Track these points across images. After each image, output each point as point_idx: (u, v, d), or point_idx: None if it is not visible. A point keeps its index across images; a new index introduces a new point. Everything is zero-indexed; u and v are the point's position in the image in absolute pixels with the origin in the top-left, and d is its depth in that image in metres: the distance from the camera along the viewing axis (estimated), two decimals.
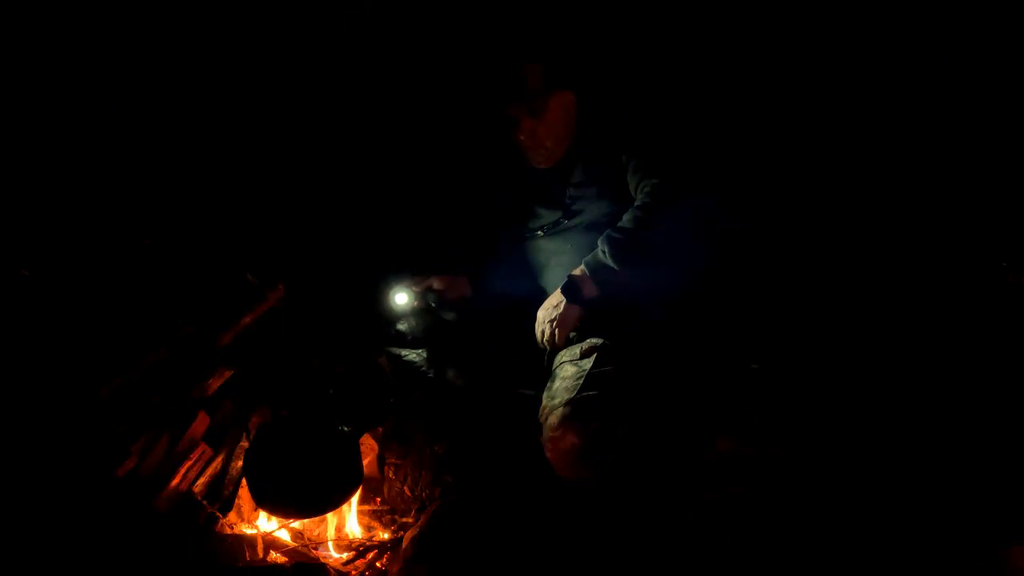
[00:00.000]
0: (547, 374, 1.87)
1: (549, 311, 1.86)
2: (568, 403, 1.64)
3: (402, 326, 2.13)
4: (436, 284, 2.05)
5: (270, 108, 2.33)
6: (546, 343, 1.87)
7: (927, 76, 2.03)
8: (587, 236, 1.90)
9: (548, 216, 2.01)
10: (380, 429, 1.99)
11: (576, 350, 1.82)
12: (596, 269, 1.80)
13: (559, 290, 1.84)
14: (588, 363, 1.75)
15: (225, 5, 2.21)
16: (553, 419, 1.65)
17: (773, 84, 2.14)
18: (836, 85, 2.10)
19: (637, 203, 1.83)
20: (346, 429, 1.73)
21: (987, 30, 1.96)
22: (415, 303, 2.02)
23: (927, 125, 2.04)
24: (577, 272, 1.83)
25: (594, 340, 1.82)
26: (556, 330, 1.83)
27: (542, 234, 2.01)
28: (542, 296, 1.95)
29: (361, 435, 1.91)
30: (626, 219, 1.81)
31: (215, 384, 1.84)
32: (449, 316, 2.04)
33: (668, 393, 1.66)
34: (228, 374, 1.86)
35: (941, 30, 1.99)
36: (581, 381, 1.69)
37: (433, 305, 2.02)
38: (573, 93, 1.96)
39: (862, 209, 2.03)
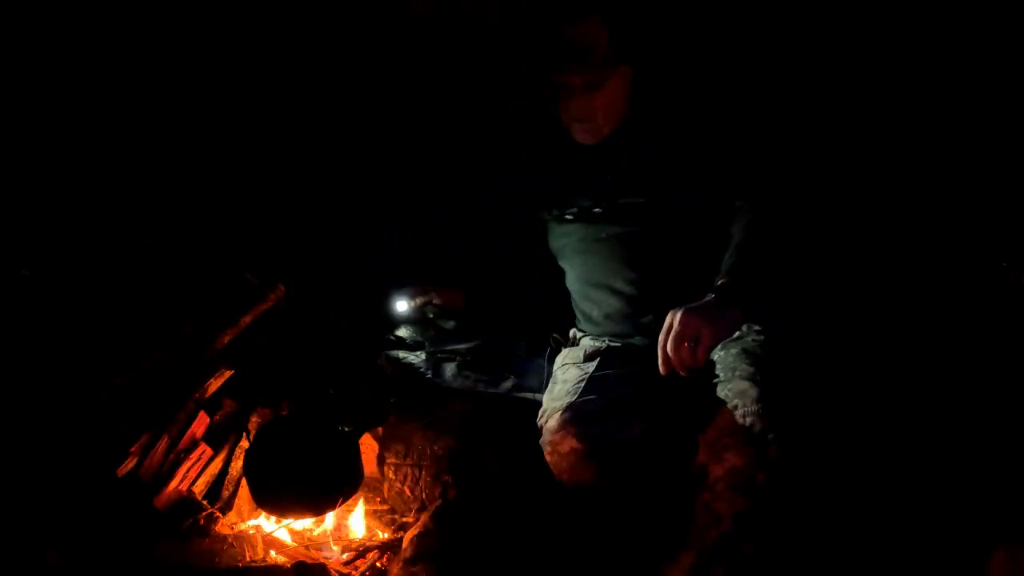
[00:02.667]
0: (547, 375, 1.87)
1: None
2: (568, 407, 1.63)
3: (402, 332, 2.13)
4: (434, 297, 2.04)
5: (271, 108, 2.33)
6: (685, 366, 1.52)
7: (927, 76, 2.03)
8: (621, 228, 1.79)
9: (582, 199, 1.88)
10: (380, 429, 1.99)
11: (579, 352, 1.81)
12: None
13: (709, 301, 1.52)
14: (591, 366, 1.73)
15: (225, 5, 2.21)
16: (553, 423, 1.64)
17: (772, 84, 2.13)
18: (835, 85, 2.10)
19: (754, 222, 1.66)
20: (346, 429, 1.73)
21: (987, 30, 1.96)
22: (414, 313, 2.02)
23: (927, 125, 2.04)
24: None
25: (597, 343, 1.82)
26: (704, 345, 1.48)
27: (571, 218, 1.89)
28: (546, 290, 1.95)
29: (361, 435, 1.91)
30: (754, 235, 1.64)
31: (215, 384, 1.84)
32: (448, 325, 2.04)
33: (669, 398, 1.64)
34: (228, 374, 1.87)
35: (941, 30, 1.99)
36: (583, 384, 1.68)
37: (431, 316, 2.02)
38: (631, 69, 1.79)
39: (861, 209, 2.03)
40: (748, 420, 1.41)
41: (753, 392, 1.46)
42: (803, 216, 1.77)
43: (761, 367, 1.53)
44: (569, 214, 1.88)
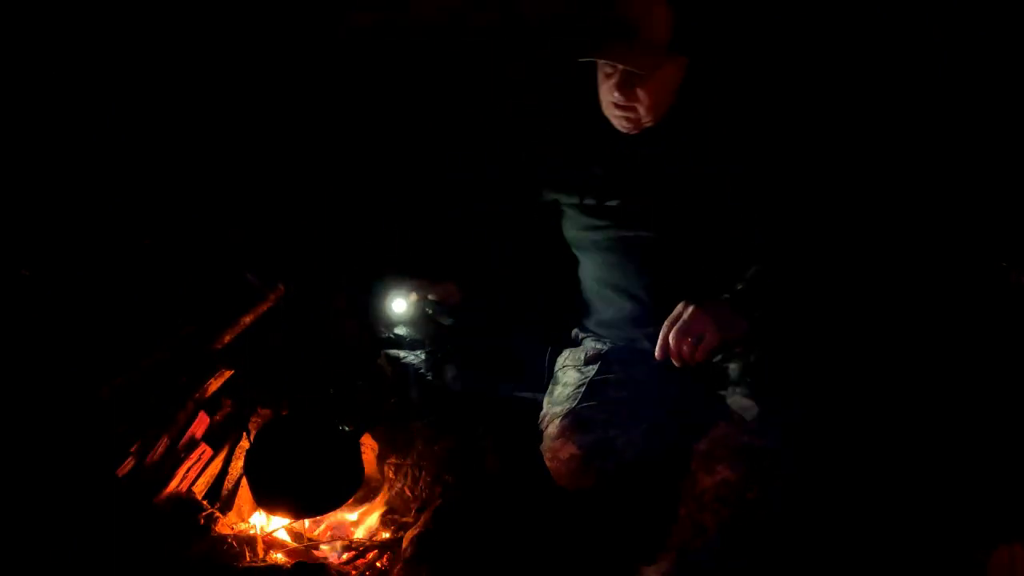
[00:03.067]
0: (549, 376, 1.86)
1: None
2: (568, 413, 1.62)
3: (401, 331, 2.12)
4: (431, 293, 1.95)
5: (271, 107, 2.33)
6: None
7: (927, 75, 2.02)
8: (647, 231, 1.70)
9: (610, 191, 1.74)
10: (380, 429, 1.99)
11: (580, 355, 1.80)
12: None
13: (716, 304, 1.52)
14: (592, 370, 1.72)
15: (226, 5, 2.21)
16: (552, 429, 1.63)
17: (770, 83, 2.13)
18: (835, 84, 2.09)
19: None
20: (346, 429, 1.73)
21: (987, 30, 1.95)
22: (413, 310, 2.00)
23: (927, 124, 2.04)
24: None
25: (599, 346, 1.80)
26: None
27: (596, 210, 1.76)
28: (546, 289, 1.94)
29: (361, 435, 1.91)
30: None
31: (215, 384, 1.84)
32: (446, 321, 2.03)
33: (669, 404, 1.64)
34: (228, 374, 1.87)
35: (940, 29, 1.99)
36: (583, 389, 1.66)
37: (430, 312, 2.00)
38: (687, 59, 1.62)
39: (861, 209, 2.03)
40: (746, 438, 1.43)
41: (754, 411, 1.48)
42: (825, 228, 1.70)
43: (763, 384, 1.53)
44: (594, 205, 1.76)
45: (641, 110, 1.63)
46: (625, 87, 1.58)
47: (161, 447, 1.65)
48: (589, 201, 1.77)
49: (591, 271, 1.87)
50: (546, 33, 2.09)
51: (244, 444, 1.83)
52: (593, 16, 1.59)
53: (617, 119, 1.68)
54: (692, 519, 1.36)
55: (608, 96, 1.64)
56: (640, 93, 1.59)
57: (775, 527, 1.33)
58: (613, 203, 1.74)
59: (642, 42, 1.53)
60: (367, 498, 1.92)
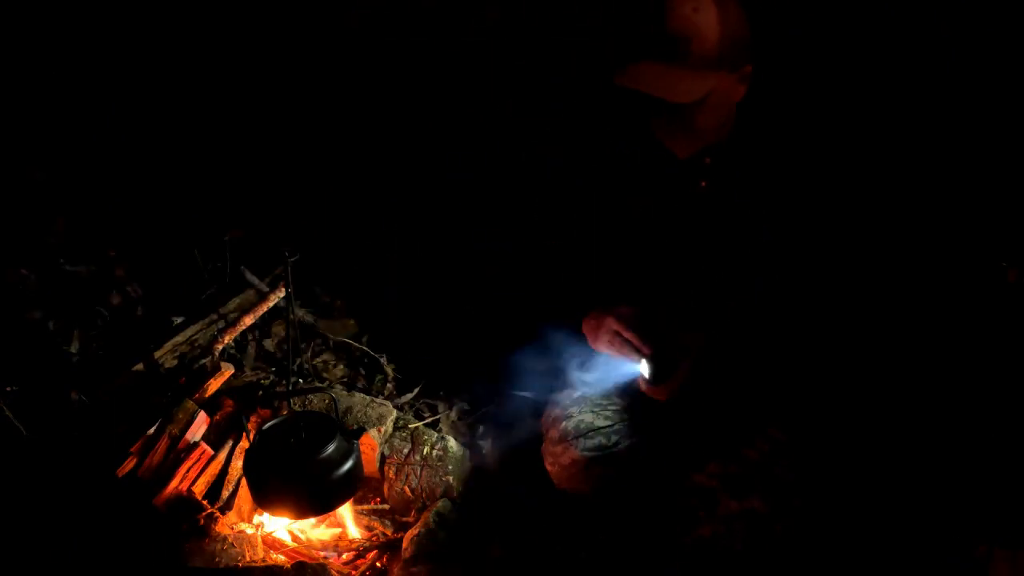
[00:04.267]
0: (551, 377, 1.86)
1: None
2: (570, 417, 1.63)
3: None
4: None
5: (272, 108, 2.33)
6: None
7: (927, 75, 2.02)
8: (676, 259, 1.59)
9: (654, 213, 1.57)
10: (380, 429, 1.99)
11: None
12: None
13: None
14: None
15: (226, 5, 2.21)
16: (555, 432, 1.63)
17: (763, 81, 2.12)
18: (834, 83, 2.09)
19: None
20: (347, 429, 1.72)
21: (987, 29, 1.95)
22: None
23: (927, 124, 2.04)
24: None
25: None
26: None
27: (632, 224, 1.58)
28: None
29: (361, 435, 1.90)
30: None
31: (215, 384, 1.84)
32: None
33: (671, 414, 1.63)
34: (228, 374, 1.87)
35: (940, 29, 1.99)
36: (587, 395, 1.67)
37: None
38: (752, 68, 1.34)
39: (860, 209, 2.03)
40: (779, 470, 1.44)
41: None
42: (830, 228, 1.62)
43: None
44: (633, 220, 1.59)
45: (698, 128, 1.40)
46: (676, 113, 1.33)
47: (161, 447, 1.65)
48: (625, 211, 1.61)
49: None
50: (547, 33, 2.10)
51: (244, 444, 1.83)
52: (636, 29, 1.31)
53: (674, 141, 1.45)
54: (719, 541, 1.37)
55: (655, 122, 1.42)
56: (701, 113, 1.35)
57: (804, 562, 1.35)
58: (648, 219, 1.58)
59: (694, 61, 1.27)
60: (367, 498, 1.92)
